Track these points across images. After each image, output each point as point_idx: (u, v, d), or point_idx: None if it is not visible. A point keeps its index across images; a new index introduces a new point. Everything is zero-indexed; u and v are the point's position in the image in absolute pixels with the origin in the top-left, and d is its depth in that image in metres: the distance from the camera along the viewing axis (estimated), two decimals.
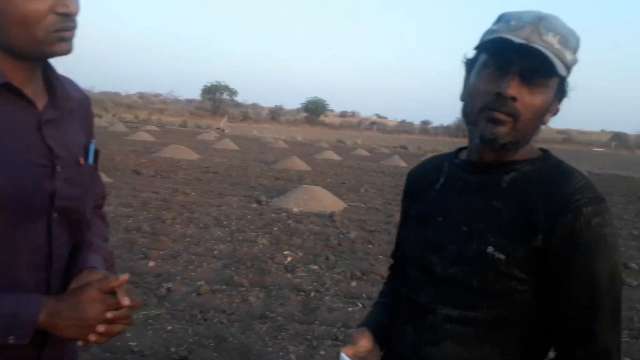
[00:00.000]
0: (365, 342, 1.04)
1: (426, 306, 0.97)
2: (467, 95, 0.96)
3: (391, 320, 1.10)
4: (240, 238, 5.70)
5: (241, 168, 12.22)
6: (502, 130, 0.89)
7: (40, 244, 0.92)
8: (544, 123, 0.94)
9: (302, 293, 4.18)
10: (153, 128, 25.17)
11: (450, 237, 0.95)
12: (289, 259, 5.05)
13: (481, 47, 0.92)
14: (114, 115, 33.25)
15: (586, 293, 0.85)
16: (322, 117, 60.68)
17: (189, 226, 6.02)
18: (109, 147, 14.50)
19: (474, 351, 0.92)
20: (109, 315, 0.88)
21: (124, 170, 10.10)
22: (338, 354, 1.01)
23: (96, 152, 1.06)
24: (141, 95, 61.53)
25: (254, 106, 67.74)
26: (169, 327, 3.37)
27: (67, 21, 0.87)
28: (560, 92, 0.93)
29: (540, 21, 0.86)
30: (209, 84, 57.28)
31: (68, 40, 0.89)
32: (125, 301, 0.90)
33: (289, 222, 6.66)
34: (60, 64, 0.98)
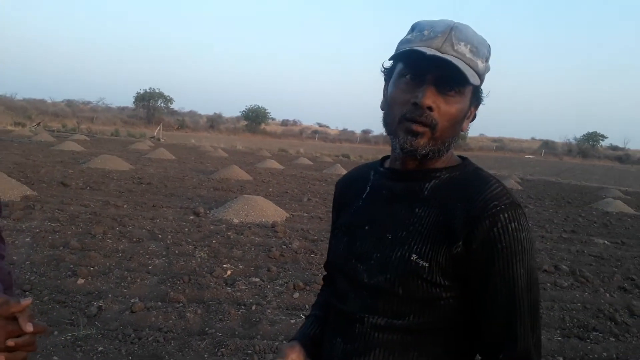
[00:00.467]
0: (295, 356, 1.03)
1: (354, 315, 0.97)
2: (386, 105, 0.97)
3: (322, 333, 1.09)
4: (177, 252, 5.49)
5: (178, 178, 11.78)
6: (421, 142, 0.91)
7: None
8: (462, 130, 0.97)
9: (243, 307, 4.10)
10: (82, 137, 23.75)
11: (375, 246, 0.96)
12: (229, 272, 4.93)
13: (397, 58, 0.94)
14: (38, 124, 31.22)
15: (505, 297, 0.88)
16: (263, 126, 60.11)
17: (121, 241, 5.72)
18: (34, 157, 13.56)
19: (402, 358, 0.93)
20: (10, 343, 0.81)
21: (50, 182, 9.45)
22: None
23: None
24: (69, 103, 57.88)
25: (192, 114, 65.69)
26: (100, 348, 3.19)
27: None
28: (476, 99, 0.96)
29: (452, 31, 0.89)
30: (142, 91, 54.76)
31: None
32: (29, 327, 0.83)
33: (229, 233, 6.51)
34: None
